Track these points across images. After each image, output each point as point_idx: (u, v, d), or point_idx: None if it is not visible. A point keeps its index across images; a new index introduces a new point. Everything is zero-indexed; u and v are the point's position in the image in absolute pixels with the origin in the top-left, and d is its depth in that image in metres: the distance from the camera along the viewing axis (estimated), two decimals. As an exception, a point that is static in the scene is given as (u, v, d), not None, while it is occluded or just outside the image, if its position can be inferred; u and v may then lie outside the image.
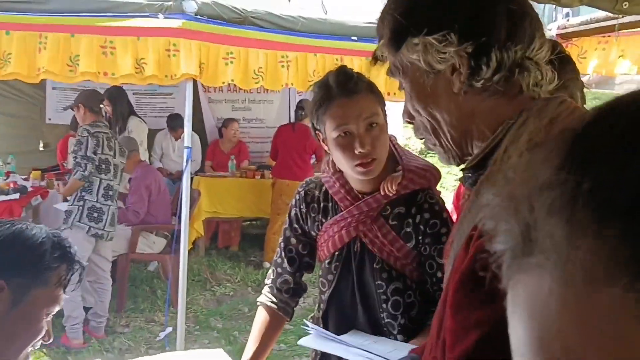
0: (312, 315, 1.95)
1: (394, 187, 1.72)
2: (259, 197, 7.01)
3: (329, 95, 1.69)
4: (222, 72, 3.86)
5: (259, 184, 7.08)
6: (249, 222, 7.62)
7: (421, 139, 1.05)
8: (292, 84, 4.11)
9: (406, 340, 1.70)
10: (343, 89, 1.68)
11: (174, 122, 7.66)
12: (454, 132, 0.98)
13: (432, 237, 1.72)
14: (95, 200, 4.56)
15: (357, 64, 4.21)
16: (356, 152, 1.66)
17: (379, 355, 1.53)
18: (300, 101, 6.85)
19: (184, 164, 3.95)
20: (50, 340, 1.44)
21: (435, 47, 0.93)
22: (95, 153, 4.49)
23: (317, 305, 1.92)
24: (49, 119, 7.59)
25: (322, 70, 4.12)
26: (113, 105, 6.06)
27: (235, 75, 3.90)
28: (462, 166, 0.99)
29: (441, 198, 1.81)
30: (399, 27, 0.98)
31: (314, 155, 6.70)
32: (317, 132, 1.76)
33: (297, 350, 4.53)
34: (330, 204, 1.84)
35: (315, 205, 1.86)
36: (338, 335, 1.71)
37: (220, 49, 3.83)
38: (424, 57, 0.94)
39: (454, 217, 2.41)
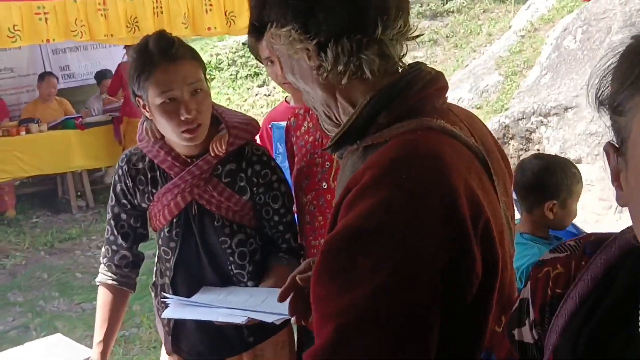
0: (152, 283, 2.00)
1: (223, 147, 1.80)
2: (29, 154, 6.53)
3: (151, 61, 1.67)
4: (-28, 33, 3.47)
5: (26, 140, 6.55)
6: (19, 182, 7.07)
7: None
8: (53, 39, 3.82)
9: (256, 285, 1.86)
10: (165, 55, 1.67)
11: None
12: (321, 105, 1.09)
13: (265, 186, 1.86)
14: None
15: (121, 7, 4.05)
16: (182, 118, 1.69)
17: (243, 309, 1.66)
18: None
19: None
20: None
21: (286, 39, 1.02)
22: None
23: (157, 273, 1.97)
24: None
25: (85, 19, 3.89)
26: None
27: (-13, 35, 3.53)
28: (329, 143, 1.09)
29: (264, 147, 1.96)
30: (257, 16, 1.06)
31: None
32: (137, 98, 1.75)
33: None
34: (157, 173, 1.86)
35: (142, 177, 1.87)
36: (190, 295, 1.82)
37: (-37, 8, 3.42)
38: (280, 45, 1.03)
39: None
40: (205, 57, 10.20)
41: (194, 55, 1.76)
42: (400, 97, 1.02)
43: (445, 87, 1.08)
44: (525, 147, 6.25)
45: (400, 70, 1.05)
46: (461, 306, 0.93)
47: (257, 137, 2.77)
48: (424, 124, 1.00)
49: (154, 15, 4.05)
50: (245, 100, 9.67)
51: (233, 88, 9.99)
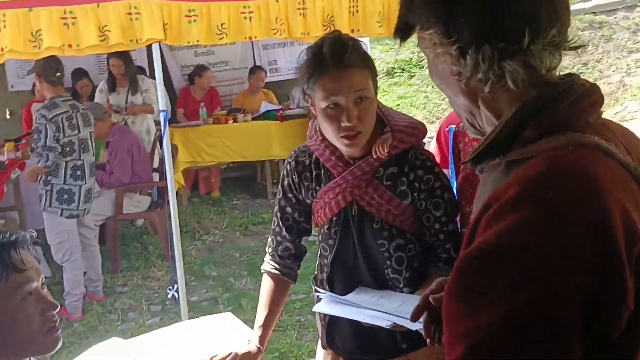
0: (313, 276, 2.06)
1: (385, 150, 1.78)
2: (235, 141, 7.04)
3: (322, 64, 1.70)
4: (186, 31, 3.81)
5: (232, 128, 7.09)
6: (225, 166, 7.70)
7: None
8: (255, 37, 4.06)
9: (412, 292, 1.82)
10: (337, 60, 1.68)
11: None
12: (464, 112, 1.05)
13: (427, 192, 1.81)
14: (62, 183, 4.42)
15: (319, 6, 4.20)
16: (342, 125, 1.70)
17: (392, 314, 1.63)
18: None
19: (162, 127, 3.96)
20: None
21: (430, 42, 0.99)
22: (57, 140, 4.31)
23: (318, 267, 2.03)
24: (11, 87, 7.40)
25: (285, 18, 4.08)
26: (126, 65, 6.24)
27: (199, 33, 3.86)
28: (469, 156, 1.04)
29: (430, 152, 1.91)
30: (404, 17, 1.04)
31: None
32: (306, 96, 1.81)
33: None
34: (322, 171, 1.90)
35: (308, 174, 1.92)
36: (345, 293, 1.84)
37: (181, 7, 3.77)
38: (424, 48, 1.01)
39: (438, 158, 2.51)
40: (406, 55, 10.31)
41: (365, 63, 1.75)
42: (550, 109, 0.94)
43: (600, 101, 0.97)
44: None
45: (551, 82, 0.96)
46: (609, 337, 0.84)
47: (434, 140, 2.72)
48: (575, 140, 0.91)
49: (350, 14, 4.13)
50: (444, 99, 9.51)
51: (432, 86, 9.87)
